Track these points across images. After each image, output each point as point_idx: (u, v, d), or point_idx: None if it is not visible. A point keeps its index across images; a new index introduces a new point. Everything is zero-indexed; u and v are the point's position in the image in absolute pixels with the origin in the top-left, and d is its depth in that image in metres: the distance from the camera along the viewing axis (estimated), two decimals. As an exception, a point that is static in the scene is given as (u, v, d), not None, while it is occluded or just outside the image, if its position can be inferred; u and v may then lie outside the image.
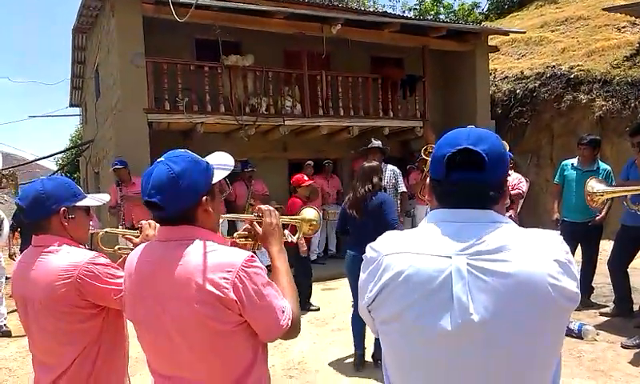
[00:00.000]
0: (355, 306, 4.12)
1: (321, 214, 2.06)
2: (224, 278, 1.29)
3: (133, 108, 7.53)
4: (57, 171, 16.63)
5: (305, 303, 5.95)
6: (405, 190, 6.22)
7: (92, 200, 1.89)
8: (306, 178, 6.26)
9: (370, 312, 1.14)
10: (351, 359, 4.31)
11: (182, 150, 1.44)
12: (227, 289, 1.29)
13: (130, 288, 1.45)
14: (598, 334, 4.47)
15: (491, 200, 1.08)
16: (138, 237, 1.91)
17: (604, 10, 10.85)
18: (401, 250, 1.09)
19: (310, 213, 2.02)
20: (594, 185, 4.37)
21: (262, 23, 8.24)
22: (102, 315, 1.73)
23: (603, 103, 9.62)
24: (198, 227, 1.39)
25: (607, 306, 5.20)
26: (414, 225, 8.30)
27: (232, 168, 1.51)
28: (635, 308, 4.96)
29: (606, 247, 5.46)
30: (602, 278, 5.53)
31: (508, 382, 1.01)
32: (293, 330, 1.43)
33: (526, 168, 9.89)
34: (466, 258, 1.01)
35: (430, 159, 1.18)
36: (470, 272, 1.00)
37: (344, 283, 7.33)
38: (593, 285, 5.49)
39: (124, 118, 7.57)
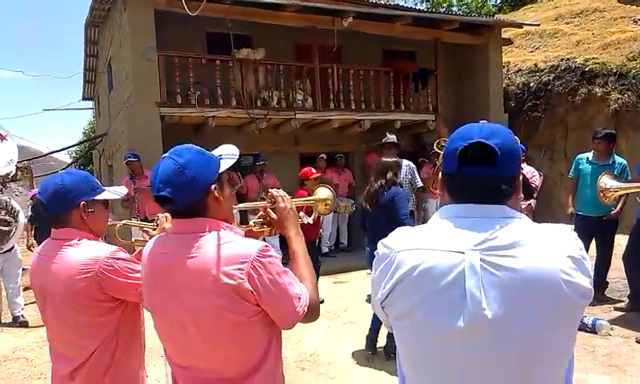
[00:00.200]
0: None
1: (334, 193, 2.06)
2: (239, 269, 1.30)
3: (145, 101, 7.58)
4: (71, 164, 16.82)
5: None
6: (421, 185, 6.20)
7: (110, 193, 1.90)
8: (313, 170, 6.27)
9: (383, 308, 1.14)
10: (363, 352, 4.33)
11: (187, 144, 1.46)
12: (242, 279, 1.30)
13: (146, 280, 1.47)
14: (612, 329, 4.44)
15: (504, 194, 1.08)
16: (154, 229, 1.93)
17: (619, 1, 10.61)
18: (414, 246, 1.08)
19: (323, 192, 2.02)
20: (606, 181, 4.32)
21: (274, 16, 8.23)
22: (120, 308, 1.75)
23: (619, 96, 9.48)
24: (210, 218, 1.40)
25: (622, 301, 5.16)
26: (425, 218, 8.28)
27: (237, 157, 1.52)
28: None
29: (621, 242, 5.40)
30: (617, 272, 5.48)
31: (519, 378, 1.01)
32: (311, 315, 1.44)
33: (539, 162, 9.79)
34: (479, 253, 1.01)
35: (442, 153, 1.17)
36: (484, 267, 1.00)
37: (355, 276, 7.37)
38: (607, 279, 5.43)
39: (136, 112, 7.63)
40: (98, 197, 1.83)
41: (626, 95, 9.42)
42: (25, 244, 7.16)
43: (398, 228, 1.18)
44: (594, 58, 10.40)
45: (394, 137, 5.90)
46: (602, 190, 4.29)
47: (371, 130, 9.18)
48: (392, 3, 11.85)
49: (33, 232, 7.41)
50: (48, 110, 45.32)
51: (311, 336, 4.80)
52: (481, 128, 1.10)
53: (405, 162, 5.98)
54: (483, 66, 10.33)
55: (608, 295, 5.37)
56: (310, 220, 1.87)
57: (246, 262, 1.31)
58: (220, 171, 1.45)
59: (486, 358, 1.00)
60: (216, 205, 1.42)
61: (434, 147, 5.34)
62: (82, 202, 1.77)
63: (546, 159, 10.28)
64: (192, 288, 1.33)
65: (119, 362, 1.75)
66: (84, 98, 15.17)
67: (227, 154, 1.50)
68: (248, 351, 1.38)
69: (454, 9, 19.53)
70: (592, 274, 1.04)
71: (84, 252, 1.71)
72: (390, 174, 4.18)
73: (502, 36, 10.83)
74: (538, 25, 12.18)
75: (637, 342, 4.17)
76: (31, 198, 7.70)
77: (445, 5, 20.06)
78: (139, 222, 2.88)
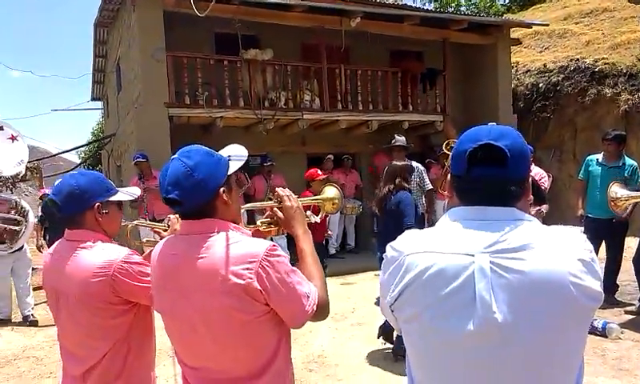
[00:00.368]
0: None
1: (341, 192, 2.05)
2: (248, 269, 1.31)
3: (154, 102, 7.63)
4: (79, 164, 16.92)
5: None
6: (431, 187, 6.18)
7: (124, 194, 1.90)
8: (319, 171, 6.26)
9: (392, 312, 1.14)
10: (371, 353, 4.32)
11: (196, 145, 1.46)
12: (251, 279, 1.30)
13: (155, 281, 1.48)
14: (622, 333, 4.40)
15: (513, 196, 1.07)
16: (166, 230, 1.93)
17: (629, 1, 10.60)
18: (423, 248, 1.08)
19: (331, 191, 2.02)
20: (617, 190, 4.30)
21: (281, 16, 8.24)
22: (133, 311, 1.75)
23: (629, 97, 9.40)
24: (218, 220, 1.41)
25: (632, 304, 5.11)
26: (434, 220, 8.25)
27: (246, 158, 1.52)
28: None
29: (632, 244, 5.36)
30: (627, 275, 5.43)
31: (529, 382, 1.00)
32: (320, 313, 1.44)
33: (548, 163, 9.73)
34: (488, 255, 1.00)
35: (451, 154, 1.17)
36: (493, 270, 0.99)
37: (363, 278, 7.37)
38: (617, 282, 5.39)
39: (145, 112, 7.68)
40: (112, 198, 1.84)
41: (636, 96, 9.34)
42: (34, 244, 7.22)
43: (406, 231, 1.18)
44: (603, 59, 10.32)
45: (403, 139, 5.88)
46: (613, 200, 4.28)
47: (379, 131, 9.17)
48: (400, 3, 11.83)
49: (43, 232, 7.46)
50: (57, 110, 45.80)
51: (319, 337, 4.80)
52: (490, 130, 1.09)
53: (414, 164, 5.97)
54: (492, 66, 10.27)
55: (618, 298, 5.33)
56: (318, 219, 1.87)
57: (254, 261, 1.32)
58: (229, 173, 1.45)
59: (495, 361, 1.00)
60: (224, 206, 1.42)
61: (443, 148, 5.34)
62: (97, 204, 1.78)
63: (555, 160, 10.21)
64: (201, 288, 1.34)
65: (132, 365, 1.75)
66: (93, 99, 15.27)
67: (236, 156, 1.51)
68: (257, 351, 1.38)
69: (463, 9, 19.47)
70: (602, 276, 1.03)
71: (98, 255, 1.71)
72: (398, 180, 4.22)
73: (511, 36, 10.78)
74: (547, 25, 12.11)
75: (647, 345, 4.13)
76: (40, 198, 7.76)
77: (453, 4, 20.00)
78: (151, 223, 2.91)
